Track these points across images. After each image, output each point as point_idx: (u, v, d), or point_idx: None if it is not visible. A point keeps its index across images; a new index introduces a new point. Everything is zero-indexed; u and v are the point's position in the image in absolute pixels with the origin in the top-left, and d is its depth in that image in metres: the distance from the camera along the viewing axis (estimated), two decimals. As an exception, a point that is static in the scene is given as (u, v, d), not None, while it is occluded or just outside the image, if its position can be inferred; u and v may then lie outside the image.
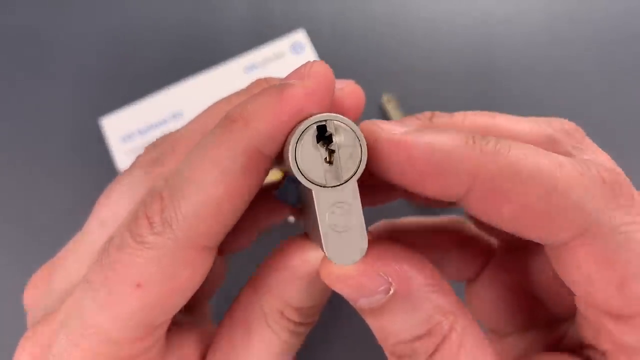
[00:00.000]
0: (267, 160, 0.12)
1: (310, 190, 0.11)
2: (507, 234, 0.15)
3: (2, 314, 0.28)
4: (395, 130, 0.11)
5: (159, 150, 0.15)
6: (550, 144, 0.13)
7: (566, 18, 0.30)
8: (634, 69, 0.30)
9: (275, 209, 0.18)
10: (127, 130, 0.29)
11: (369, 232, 0.11)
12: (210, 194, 0.11)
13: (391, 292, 0.11)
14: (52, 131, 0.30)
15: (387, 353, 0.13)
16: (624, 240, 0.11)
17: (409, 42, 0.31)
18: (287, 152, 0.11)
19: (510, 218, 0.11)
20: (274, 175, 0.24)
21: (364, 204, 0.11)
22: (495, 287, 0.17)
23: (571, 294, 0.12)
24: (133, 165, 0.15)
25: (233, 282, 0.18)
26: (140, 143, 0.29)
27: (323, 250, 0.11)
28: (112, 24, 0.31)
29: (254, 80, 0.15)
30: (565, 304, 0.15)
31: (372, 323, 0.12)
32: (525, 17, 0.31)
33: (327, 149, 0.11)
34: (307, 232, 0.14)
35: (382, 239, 0.13)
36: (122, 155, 0.28)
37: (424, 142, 0.11)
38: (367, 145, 0.11)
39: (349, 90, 0.14)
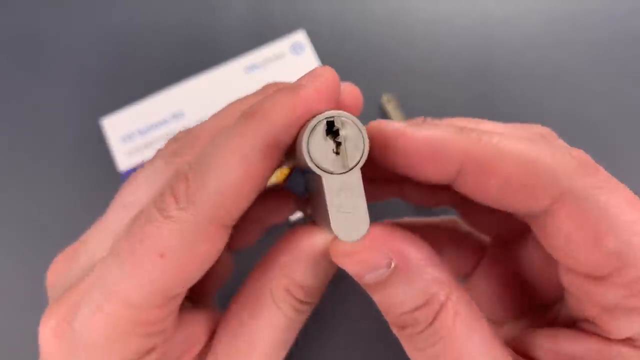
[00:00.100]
0: (280, 151, 0.13)
1: (320, 177, 0.13)
2: (497, 229, 0.18)
3: (5, 314, 0.28)
4: (398, 126, 0.14)
5: (179, 144, 0.16)
6: None
7: (566, 19, 0.31)
8: (634, 71, 0.30)
9: (279, 208, 0.20)
10: (128, 131, 0.29)
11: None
12: (231, 177, 0.13)
13: (392, 266, 0.13)
14: (53, 131, 0.30)
15: (392, 326, 0.14)
16: (594, 201, 0.12)
17: (409, 43, 0.31)
18: (300, 144, 0.13)
19: (497, 193, 0.13)
20: (276, 177, 0.25)
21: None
22: (490, 279, 0.19)
23: (557, 276, 0.14)
24: (155, 157, 0.17)
25: (238, 279, 0.18)
26: (141, 143, 0.29)
27: (332, 230, 0.13)
28: (113, 25, 0.32)
29: (264, 85, 0.17)
30: (555, 286, 0.16)
31: (377, 297, 0.14)
32: (525, 19, 0.31)
33: (334, 141, 0.13)
34: (315, 217, 0.16)
35: (383, 223, 0.14)
36: (123, 155, 0.29)
37: (422, 133, 0.13)
38: (376, 139, 0.14)
39: (349, 90, 0.17)
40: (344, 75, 0.33)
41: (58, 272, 0.17)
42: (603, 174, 0.13)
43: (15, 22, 0.32)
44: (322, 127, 0.12)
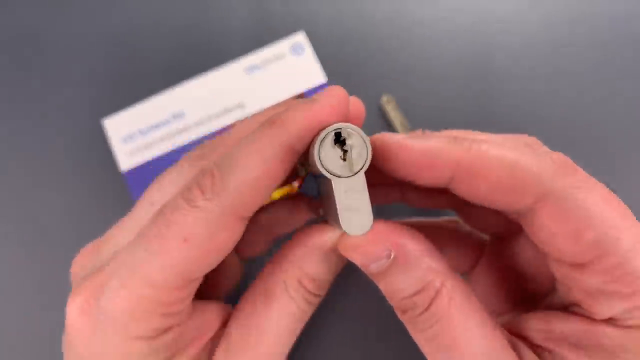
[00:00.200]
0: (295, 155, 0.16)
1: (329, 180, 0.15)
2: (494, 227, 0.20)
3: (7, 315, 0.28)
4: (399, 138, 0.16)
5: (204, 150, 0.19)
6: None
7: (565, 20, 0.31)
8: (633, 71, 0.30)
9: (289, 219, 0.22)
10: (129, 131, 0.29)
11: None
12: (252, 175, 0.15)
13: (392, 257, 0.15)
14: (55, 132, 0.30)
15: (396, 310, 0.16)
16: (573, 199, 0.14)
17: (408, 44, 0.31)
18: (313, 152, 0.15)
19: (486, 194, 0.15)
20: (280, 192, 0.27)
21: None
22: (490, 274, 0.21)
23: (548, 267, 0.16)
24: (181, 160, 0.19)
25: (247, 287, 0.20)
26: (142, 143, 0.29)
27: (340, 226, 0.15)
28: (114, 26, 0.32)
29: (284, 100, 0.21)
30: (548, 277, 0.18)
31: (381, 285, 0.16)
32: (524, 19, 0.31)
33: (342, 149, 0.15)
34: (326, 217, 0.18)
35: (384, 220, 0.16)
36: (124, 155, 0.29)
37: (419, 144, 0.15)
38: (379, 149, 0.16)
39: (352, 103, 0.19)
40: (343, 76, 0.33)
41: (82, 263, 0.18)
42: (581, 174, 0.15)
43: (17, 23, 0.32)
44: (331, 137, 0.15)
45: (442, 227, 0.22)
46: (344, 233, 0.16)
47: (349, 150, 0.15)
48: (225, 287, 0.22)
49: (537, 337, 0.16)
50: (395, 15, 0.32)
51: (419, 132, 0.17)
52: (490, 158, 0.15)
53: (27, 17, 0.32)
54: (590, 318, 0.15)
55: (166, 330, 0.16)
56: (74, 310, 0.16)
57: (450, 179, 0.15)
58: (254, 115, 0.19)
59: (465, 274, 0.22)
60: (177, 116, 0.29)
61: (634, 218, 0.15)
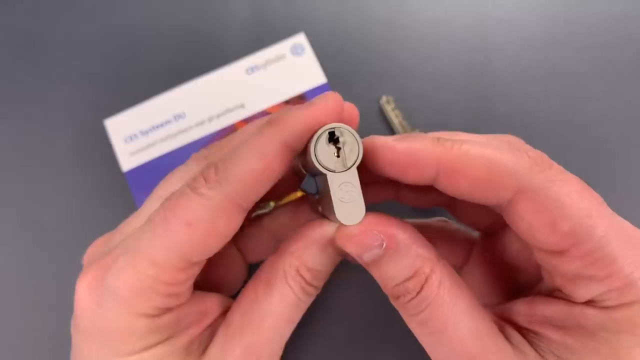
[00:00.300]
0: (292, 152, 0.17)
1: (325, 175, 0.16)
2: (483, 222, 0.22)
3: (8, 314, 0.28)
4: (386, 140, 0.17)
5: (210, 150, 0.21)
6: None
7: (563, 20, 0.31)
8: (631, 71, 0.31)
9: (292, 223, 0.24)
10: (130, 131, 0.30)
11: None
12: (252, 167, 0.16)
13: (383, 246, 0.16)
14: (57, 132, 0.31)
15: (390, 298, 0.17)
16: (548, 192, 0.15)
17: (407, 45, 0.32)
18: (309, 149, 0.16)
19: (467, 189, 0.16)
20: (286, 200, 0.28)
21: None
22: (481, 268, 0.22)
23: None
24: (189, 159, 0.21)
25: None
26: (143, 143, 0.29)
27: (336, 217, 0.16)
28: (116, 27, 0.33)
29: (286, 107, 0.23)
30: (534, 268, 0.19)
31: (375, 273, 0.17)
32: (522, 19, 0.32)
33: (336, 146, 0.16)
34: (324, 212, 0.19)
35: (376, 212, 0.18)
36: (125, 155, 0.29)
37: (404, 145, 0.16)
38: (368, 150, 0.17)
39: (347, 107, 0.21)
40: (343, 76, 0.34)
41: (93, 251, 0.20)
42: (557, 169, 0.16)
43: (19, 24, 0.33)
44: (325, 136, 0.16)
45: (432, 226, 0.24)
46: (339, 225, 0.17)
47: (342, 147, 0.16)
48: (230, 289, 0.23)
49: (523, 321, 0.18)
50: (395, 16, 0.32)
51: (412, 133, 0.19)
52: (470, 156, 0.16)
53: (29, 18, 0.33)
54: (571, 301, 0.16)
55: (167, 310, 0.18)
56: (83, 287, 0.17)
57: (434, 176, 0.16)
58: (259, 120, 0.21)
59: (457, 270, 0.23)
60: (178, 116, 0.30)
61: (607, 208, 0.16)
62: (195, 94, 0.30)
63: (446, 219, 0.24)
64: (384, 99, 0.30)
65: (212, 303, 0.20)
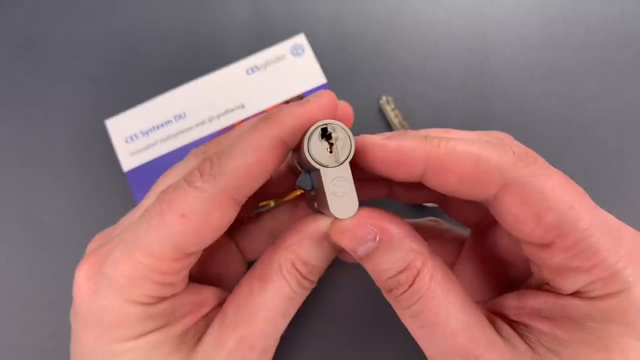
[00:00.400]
0: (286, 148, 0.18)
1: (318, 171, 0.17)
2: (473, 218, 0.22)
3: (9, 314, 0.29)
4: (376, 138, 0.18)
5: (208, 146, 0.21)
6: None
7: (561, 20, 0.32)
8: (629, 71, 0.31)
9: (290, 221, 0.24)
10: (131, 132, 0.30)
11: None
12: (246, 160, 0.17)
13: (377, 239, 0.17)
14: (58, 132, 0.31)
15: (383, 292, 0.18)
16: (532, 186, 0.16)
17: (407, 45, 0.32)
18: (303, 145, 0.17)
19: (455, 185, 0.17)
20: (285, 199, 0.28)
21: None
22: (472, 264, 0.22)
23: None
24: (187, 155, 0.21)
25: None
26: (144, 144, 0.30)
27: (329, 211, 0.17)
28: (116, 28, 0.33)
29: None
30: (525, 262, 0.20)
31: (369, 267, 0.18)
32: (521, 20, 0.32)
33: (328, 142, 0.17)
34: (319, 207, 0.20)
35: (369, 207, 0.18)
36: (126, 155, 0.30)
37: (393, 143, 0.17)
38: (360, 149, 0.17)
39: (341, 105, 0.22)
40: (343, 77, 0.34)
41: (93, 245, 0.20)
42: (541, 163, 0.16)
43: (20, 25, 0.33)
44: (318, 132, 0.17)
45: (423, 226, 0.25)
46: (334, 220, 0.18)
47: (335, 143, 0.17)
48: (229, 285, 0.24)
49: (513, 314, 0.18)
50: (394, 16, 0.33)
51: (400, 131, 0.19)
52: (456, 153, 0.16)
53: (29, 19, 0.33)
54: (559, 293, 0.17)
55: (162, 299, 0.18)
56: (81, 275, 0.18)
57: (423, 173, 0.17)
58: (255, 117, 0.21)
59: (448, 267, 0.24)
60: (179, 117, 0.30)
61: (591, 201, 0.16)
62: (196, 95, 0.31)
63: (437, 219, 0.25)
64: (383, 99, 0.30)
65: (208, 295, 0.20)
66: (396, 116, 0.30)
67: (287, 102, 0.30)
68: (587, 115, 0.30)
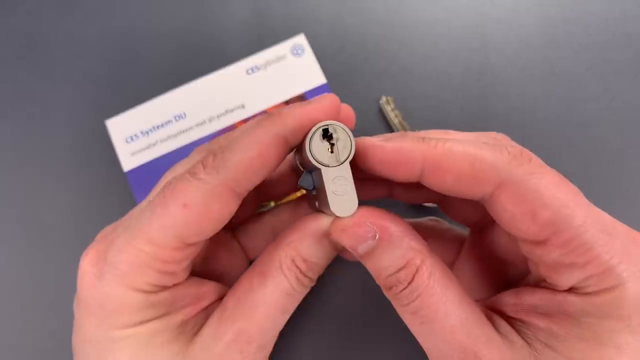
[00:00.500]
0: (287, 146, 0.18)
1: (319, 170, 0.18)
2: (472, 217, 0.23)
3: (10, 314, 0.29)
4: (375, 140, 0.18)
5: (211, 143, 0.22)
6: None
7: (561, 20, 0.32)
8: (629, 71, 0.31)
9: (291, 220, 0.25)
10: (131, 132, 0.30)
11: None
12: (248, 154, 0.17)
13: (376, 237, 0.17)
14: (59, 132, 0.32)
15: (383, 290, 0.18)
16: (527, 184, 0.16)
17: (407, 45, 0.32)
18: (305, 145, 0.18)
19: (452, 184, 0.17)
20: (287, 199, 0.29)
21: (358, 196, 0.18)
22: (471, 263, 0.23)
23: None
24: (192, 152, 0.22)
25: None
26: (144, 144, 0.30)
27: (330, 209, 0.18)
28: (117, 29, 0.33)
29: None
30: (523, 261, 0.20)
31: (369, 265, 0.18)
32: (521, 19, 0.32)
33: (329, 142, 0.18)
34: (320, 206, 0.20)
35: (369, 206, 0.19)
36: (126, 156, 0.30)
37: (391, 144, 0.18)
38: (359, 150, 0.18)
39: (344, 107, 0.23)
40: (343, 77, 0.34)
41: (101, 234, 0.21)
42: (535, 162, 0.17)
43: (21, 25, 0.33)
44: (319, 132, 0.18)
45: (423, 225, 0.25)
46: (334, 218, 0.18)
47: (336, 144, 0.18)
48: (231, 283, 0.24)
49: (510, 310, 0.19)
50: (394, 16, 0.33)
51: (398, 132, 0.20)
52: (453, 153, 0.17)
53: (31, 19, 0.34)
54: (555, 289, 0.17)
55: (163, 288, 0.19)
56: (85, 261, 0.19)
57: (421, 173, 0.18)
58: (259, 116, 0.22)
59: (448, 266, 0.24)
60: (179, 117, 0.30)
61: (584, 198, 0.17)
62: (196, 95, 0.31)
63: (438, 219, 0.26)
64: (383, 99, 0.31)
65: (209, 289, 0.21)
66: (396, 116, 0.30)
67: (287, 102, 0.31)
68: (587, 115, 0.31)
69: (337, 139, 0.17)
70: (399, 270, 0.17)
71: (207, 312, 0.21)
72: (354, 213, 0.18)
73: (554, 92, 0.31)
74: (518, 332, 0.18)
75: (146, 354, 0.19)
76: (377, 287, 0.19)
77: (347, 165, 0.18)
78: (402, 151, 0.17)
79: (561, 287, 0.17)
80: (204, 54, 0.33)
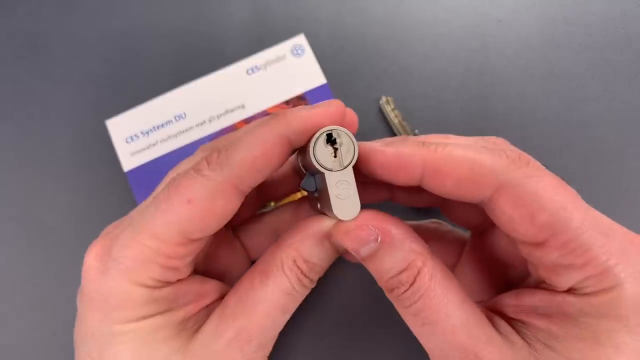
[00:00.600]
0: (290, 146, 0.19)
1: (323, 174, 0.18)
2: (473, 221, 0.23)
3: (10, 313, 0.29)
4: (376, 145, 0.19)
5: (215, 141, 0.23)
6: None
7: (561, 20, 0.32)
8: (629, 71, 0.31)
9: (293, 221, 0.25)
10: (131, 132, 0.30)
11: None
12: (251, 152, 0.18)
13: (378, 240, 0.18)
14: (59, 132, 0.32)
15: (385, 292, 0.19)
16: (525, 187, 0.17)
17: (407, 45, 0.32)
18: (309, 149, 0.18)
19: (451, 188, 0.18)
20: (288, 200, 0.29)
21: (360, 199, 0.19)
22: (472, 265, 0.23)
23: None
24: (197, 150, 0.23)
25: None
26: (144, 144, 0.30)
27: (333, 213, 0.18)
28: (117, 29, 0.33)
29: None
30: (523, 263, 0.21)
31: (371, 267, 0.19)
32: (521, 19, 0.33)
33: (333, 147, 0.18)
34: (322, 209, 0.21)
35: (371, 209, 0.19)
36: (127, 155, 0.30)
37: (392, 149, 0.18)
38: (361, 155, 0.19)
39: (347, 112, 0.22)
40: (343, 77, 0.34)
41: (106, 230, 0.21)
42: (533, 165, 0.17)
43: (22, 25, 0.34)
44: (324, 137, 0.18)
45: (425, 227, 0.26)
46: (337, 222, 0.19)
47: (339, 148, 0.18)
48: (232, 281, 0.24)
49: (511, 311, 0.19)
50: (394, 16, 0.33)
51: (403, 136, 0.21)
52: (452, 158, 0.17)
53: (31, 19, 0.34)
54: (554, 291, 0.18)
55: (166, 284, 0.19)
56: (90, 256, 0.19)
57: (421, 177, 0.18)
58: (264, 117, 0.23)
59: (449, 269, 0.25)
60: (179, 117, 0.31)
61: (582, 201, 0.17)
62: (196, 95, 0.31)
63: (440, 221, 0.26)
64: (383, 99, 0.31)
65: (211, 287, 0.22)
66: (396, 116, 0.30)
67: (287, 102, 0.31)
68: (587, 115, 0.31)
69: (341, 144, 0.18)
70: (401, 272, 0.17)
71: (208, 310, 0.21)
72: (357, 216, 0.18)
73: (554, 92, 0.31)
74: (518, 332, 0.18)
75: (147, 349, 0.19)
76: (378, 288, 0.19)
77: (350, 169, 0.18)
78: (403, 156, 0.18)
79: (560, 288, 0.17)
80: (204, 54, 0.33)
